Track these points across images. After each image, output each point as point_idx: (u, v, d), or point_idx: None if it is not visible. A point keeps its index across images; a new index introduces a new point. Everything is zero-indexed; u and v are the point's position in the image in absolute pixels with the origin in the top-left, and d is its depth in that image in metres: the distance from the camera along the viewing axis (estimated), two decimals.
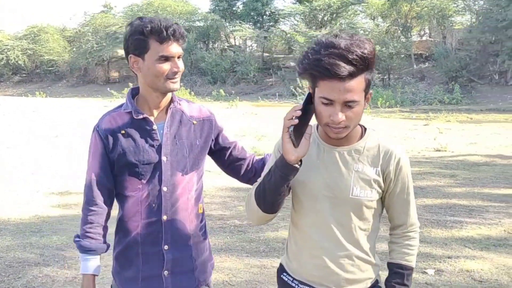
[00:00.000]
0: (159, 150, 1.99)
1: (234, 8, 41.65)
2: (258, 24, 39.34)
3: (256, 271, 4.38)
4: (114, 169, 2.01)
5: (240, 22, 38.53)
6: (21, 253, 4.88)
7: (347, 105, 1.66)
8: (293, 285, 1.89)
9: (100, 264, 2.03)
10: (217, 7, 40.79)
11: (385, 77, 31.02)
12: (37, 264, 4.60)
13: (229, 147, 2.19)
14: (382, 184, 1.82)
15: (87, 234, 2.00)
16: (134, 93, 2.07)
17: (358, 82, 1.65)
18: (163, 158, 1.98)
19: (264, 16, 40.02)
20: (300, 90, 26.43)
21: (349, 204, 1.79)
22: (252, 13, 39.69)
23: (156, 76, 1.92)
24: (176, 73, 1.94)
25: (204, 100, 27.19)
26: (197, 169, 2.08)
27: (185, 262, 2.06)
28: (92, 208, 2.00)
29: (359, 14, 37.66)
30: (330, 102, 1.66)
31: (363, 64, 1.64)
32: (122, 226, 2.06)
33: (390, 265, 1.89)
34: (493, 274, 4.29)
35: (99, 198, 2.00)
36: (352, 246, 1.82)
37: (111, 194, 2.04)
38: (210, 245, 2.24)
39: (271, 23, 39.63)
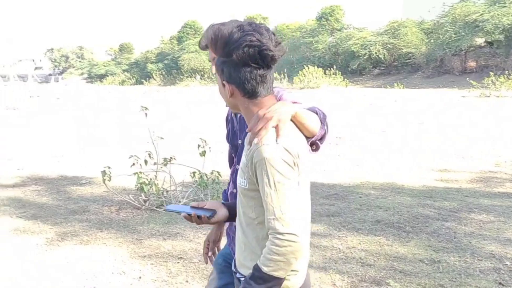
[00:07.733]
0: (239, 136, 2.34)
1: None
2: None
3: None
4: None
5: None
6: (422, 210, 5.82)
7: None
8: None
9: None
10: None
11: None
12: (437, 219, 5.44)
13: None
14: (251, 175, 1.75)
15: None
16: None
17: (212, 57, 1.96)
18: (239, 141, 2.33)
19: None
20: None
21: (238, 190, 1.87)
22: None
23: None
24: None
25: None
26: None
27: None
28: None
29: None
30: None
31: (208, 44, 1.87)
32: None
33: None
34: None
35: (229, 161, 2.52)
36: (242, 233, 1.85)
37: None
38: None
39: None
